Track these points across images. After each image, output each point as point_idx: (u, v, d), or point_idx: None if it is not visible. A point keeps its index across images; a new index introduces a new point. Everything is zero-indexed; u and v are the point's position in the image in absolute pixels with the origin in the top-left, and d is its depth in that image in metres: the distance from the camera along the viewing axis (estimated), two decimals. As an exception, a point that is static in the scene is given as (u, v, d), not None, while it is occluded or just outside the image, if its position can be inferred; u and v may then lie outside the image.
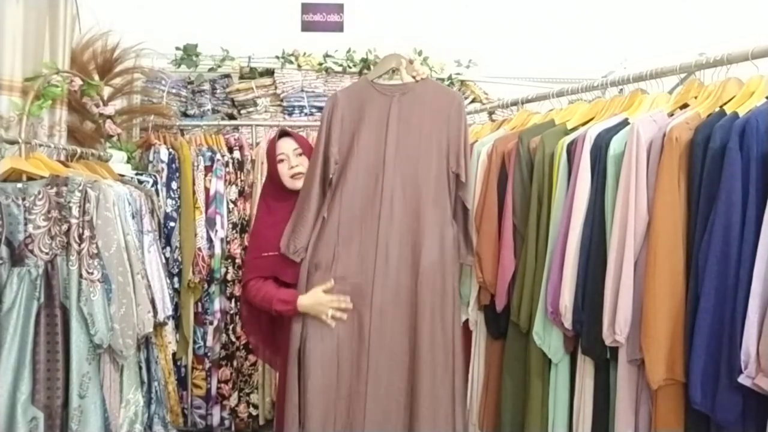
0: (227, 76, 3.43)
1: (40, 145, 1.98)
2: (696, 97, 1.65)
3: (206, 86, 3.36)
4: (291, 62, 3.34)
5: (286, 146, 2.11)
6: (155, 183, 2.68)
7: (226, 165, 2.99)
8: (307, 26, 3.60)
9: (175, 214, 2.84)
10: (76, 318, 1.74)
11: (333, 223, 1.92)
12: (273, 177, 2.14)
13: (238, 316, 3.03)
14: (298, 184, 2.06)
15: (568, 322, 1.69)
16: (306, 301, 1.89)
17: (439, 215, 1.92)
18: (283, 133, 2.15)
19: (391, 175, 1.90)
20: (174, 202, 2.85)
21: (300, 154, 2.11)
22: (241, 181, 3.06)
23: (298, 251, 1.93)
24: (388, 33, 3.45)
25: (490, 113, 2.94)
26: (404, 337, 1.89)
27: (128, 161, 2.67)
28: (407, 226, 1.90)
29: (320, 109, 3.35)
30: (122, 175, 2.36)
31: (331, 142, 1.94)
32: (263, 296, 1.98)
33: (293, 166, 2.09)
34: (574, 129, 1.90)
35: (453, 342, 1.92)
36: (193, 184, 2.90)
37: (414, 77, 2.01)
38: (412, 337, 1.89)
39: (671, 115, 1.62)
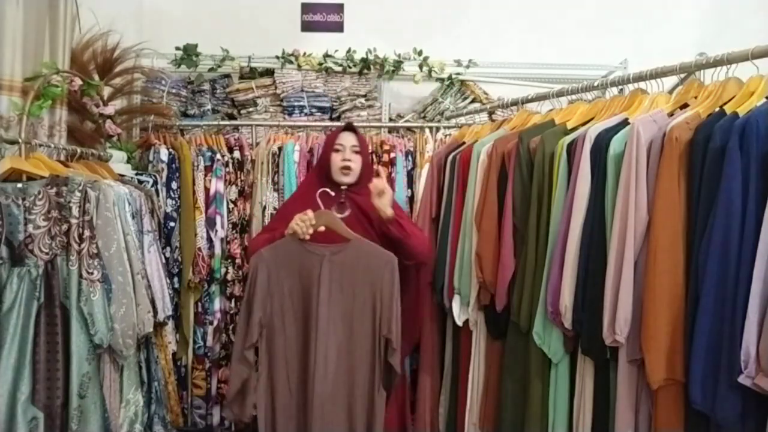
0: (227, 76, 3.42)
1: (40, 145, 1.98)
2: (696, 97, 1.65)
3: (206, 86, 3.35)
4: (291, 62, 3.34)
5: (347, 140, 2.16)
6: (155, 183, 2.67)
7: (226, 165, 2.99)
8: (307, 26, 3.60)
9: (175, 214, 2.84)
10: (76, 318, 1.74)
11: (271, 382, 1.97)
12: (321, 162, 2.20)
13: (238, 316, 3.02)
14: (344, 178, 2.14)
15: (568, 322, 1.69)
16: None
17: (369, 380, 1.97)
18: (349, 127, 2.20)
19: (323, 339, 1.92)
20: (174, 202, 2.84)
21: (356, 152, 2.16)
22: (241, 181, 3.06)
23: (244, 413, 1.98)
24: (388, 33, 3.44)
25: (490, 113, 2.94)
26: None
27: (128, 161, 2.67)
28: (342, 393, 1.95)
29: (320, 109, 3.36)
30: (122, 175, 2.36)
31: (255, 304, 1.93)
32: (265, 240, 2.08)
33: (346, 159, 2.13)
34: (574, 129, 1.90)
35: None
36: (193, 184, 2.90)
37: (346, 236, 1.99)
38: None
39: (671, 115, 1.62)
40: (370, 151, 3.01)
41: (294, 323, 1.96)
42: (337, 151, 2.16)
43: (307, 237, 1.94)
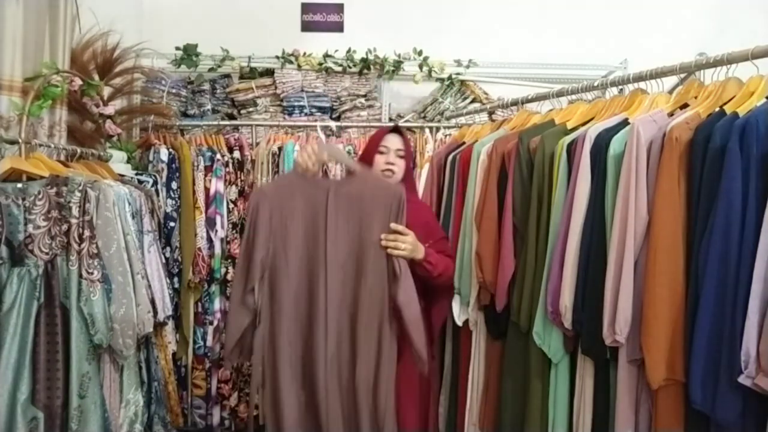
0: (227, 76, 3.43)
1: (40, 145, 1.98)
2: (696, 97, 1.65)
3: (206, 86, 3.36)
4: (291, 62, 3.35)
5: (393, 142, 2.07)
6: (155, 183, 2.68)
7: (226, 165, 2.99)
8: (307, 26, 3.60)
9: (175, 214, 2.84)
10: (76, 318, 1.74)
11: (274, 328, 1.82)
12: (364, 161, 2.09)
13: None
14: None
15: (568, 322, 1.69)
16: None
17: (379, 314, 1.82)
18: (396, 130, 2.11)
19: (333, 275, 1.80)
20: (174, 202, 2.84)
21: (401, 156, 2.07)
22: (241, 181, 3.06)
23: (243, 356, 1.87)
24: (388, 33, 3.45)
25: (490, 113, 2.94)
26: None
27: (128, 161, 2.67)
28: (347, 327, 1.82)
29: (320, 109, 3.36)
30: (122, 175, 2.36)
31: (258, 243, 1.79)
32: None
33: (389, 163, 2.04)
34: (574, 129, 1.90)
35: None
36: (193, 184, 2.90)
37: (350, 170, 1.90)
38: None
39: (671, 115, 1.62)
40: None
41: (298, 261, 1.82)
42: (382, 153, 2.06)
43: (314, 170, 1.84)
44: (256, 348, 1.82)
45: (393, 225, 1.82)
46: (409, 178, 2.14)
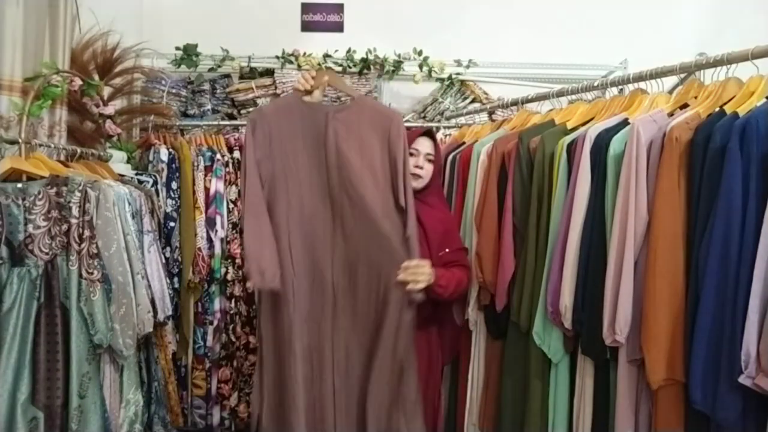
0: (227, 76, 3.43)
1: (40, 145, 1.98)
2: (696, 97, 1.65)
3: (206, 86, 3.36)
4: (291, 62, 3.35)
5: (423, 146, 2.04)
6: (155, 183, 2.67)
7: (226, 165, 2.99)
8: (307, 26, 3.60)
9: (175, 214, 2.84)
10: (76, 318, 1.74)
11: (284, 250, 1.77)
12: None
13: (238, 316, 3.03)
14: (413, 183, 1.95)
15: (568, 322, 1.69)
16: None
17: (394, 233, 1.80)
18: (428, 133, 2.09)
19: (338, 198, 1.77)
20: (174, 202, 2.84)
21: (430, 161, 2.05)
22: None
23: (274, 276, 1.74)
24: (388, 33, 3.45)
25: (490, 113, 2.95)
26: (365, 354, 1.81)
27: (128, 161, 2.67)
28: (365, 248, 1.78)
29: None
30: (122, 175, 2.36)
31: (255, 162, 1.76)
32: None
33: (417, 166, 2.02)
34: (574, 129, 1.90)
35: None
36: (193, 184, 2.90)
37: (349, 95, 1.87)
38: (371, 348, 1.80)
39: (671, 115, 1.62)
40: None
41: (297, 179, 1.79)
42: (412, 155, 2.02)
43: (312, 92, 1.82)
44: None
45: (406, 263, 1.76)
46: (435, 183, 2.12)
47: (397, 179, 1.81)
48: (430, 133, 2.10)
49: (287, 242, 1.78)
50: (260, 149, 1.77)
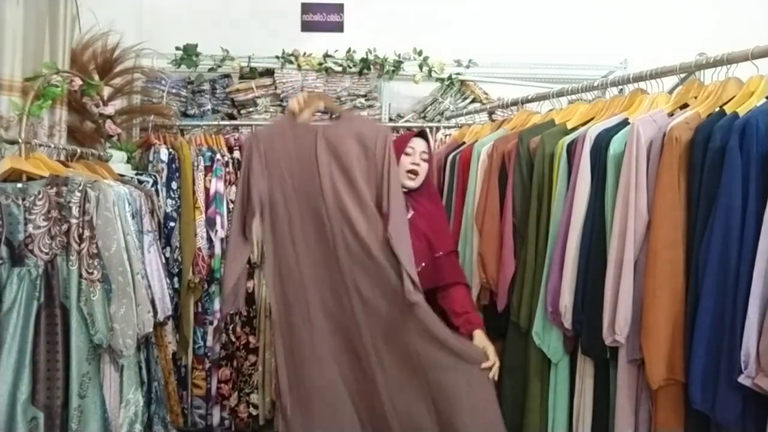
0: (227, 76, 3.42)
1: (40, 145, 1.98)
2: (696, 97, 1.65)
3: (206, 86, 3.35)
4: (291, 62, 3.34)
5: (419, 145, 2.09)
6: (155, 183, 2.67)
7: (226, 165, 2.99)
8: (307, 26, 3.60)
9: (175, 214, 2.84)
10: (76, 318, 1.74)
11: (279, 262, 1.87)
12: None
13: (238, 316, 3.03)
14: (408, 182, 2.03)
15: (568, 322, 1.69)
16: None
17: (382, 248, 1.84)
18: (422, 135, 2.14)
19: (333, 212, 1.84)
20: (174, 202, 2.84)
21: (425, 159, 2.08)
22: (241, 181, 3.06)
23: (238, 302, 1.91)
24: (388, 33, 3.44)
25: (490, 113, 2.94)
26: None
27: (128, 161, 2.67)
28: (361, 261, 1.84)
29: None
30: (122, 175, 2.36)
31: (252, 182, 1.86)
32: None
33: (414, 163, 2.06)
34: (574, 129, 1.90)
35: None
36: (193, 184, 2.90)
37: (336, 113, 1.95)
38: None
39: (671, 115, 1.62)
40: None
41: (295, 197, 1.88)
42: (408, 154, 2.08)
43: (307, 115, 1.92)
44: (267, 278, 1.88)
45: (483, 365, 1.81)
46: (430, 183, 2.15)
47: (382, 186, 1.86)
48: (423, 135, 2.15)
49: (294, 260, 1.87)
50: (256, 173, 1.86)
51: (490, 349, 1.84)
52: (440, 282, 1.94)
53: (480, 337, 1.88)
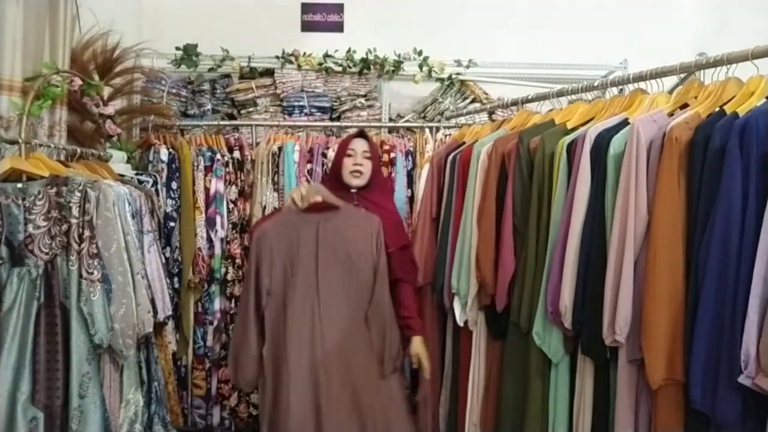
0: (227, 76, 3.42)
1: (40, 145, 1.99)
2: (696, 97, 1.65)
3: (206, 86, 3.35)
4: (291, 62, 3.34)
5: (359, 145, 2.29)
6: (155, 183, 2.68)
7: (226, 165, 2.99)
8: (307, 26, 3.60)
9: (175, 214, 2.84)
10: (76, 318, 1.74)
11: (279, 345, 2.06)
12: (335, 167, 2.32)
13: (238, 317, 3.03)
14: (354, 181, 2.26)
15: (568, 322, 1.69)
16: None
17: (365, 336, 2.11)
18: (361, 134, 2.34)
19: (326, 299, 2.06)
20: (174, 202, 2.85)
21: (367, 158, 2.28)
22: (241, 181, 3.06)
23: (249, 383, 2.11)
24: (388, 33, 3.44)
25: (490, 113, 2.94)
26: None
27: (128, 161, 2.67)
28: (344, 350, 2.07)
29: (320, 109, 3.35)
30: (122, 175, 2.36)
31: (262, 272, 2.08)
32: None
33: (356, 164, 2.26)
34: (574, 129, 1.90)
35: None
36: (193, 184, 2.90)
37: (335, 205, 2.13)
38: None
39: (671, 115, 1.62)
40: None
41: (297, 287, 2.07)
42: (349, 155, 2.28)
43: (304, 205, 2.09)
44: (265, 364, 2.07)
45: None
46: (377, 179, 2.36)
47: (378, 261, 2.13)
48: (363, 134, 2.35)
49: (294, 335, 2.06)
50: (265, 260, 2.08)
51: (423, 356, 2.23)
52: (390, 276, 2.18)
53: (417, 343, 2.24)
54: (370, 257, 2.12)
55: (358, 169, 2.26)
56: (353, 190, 2.29)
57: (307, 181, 2.99)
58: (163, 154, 2.86)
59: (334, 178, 2.33)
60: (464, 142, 2.53)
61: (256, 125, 3.31)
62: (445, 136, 3.20)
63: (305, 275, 2.07)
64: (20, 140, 1.87)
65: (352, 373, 2.04)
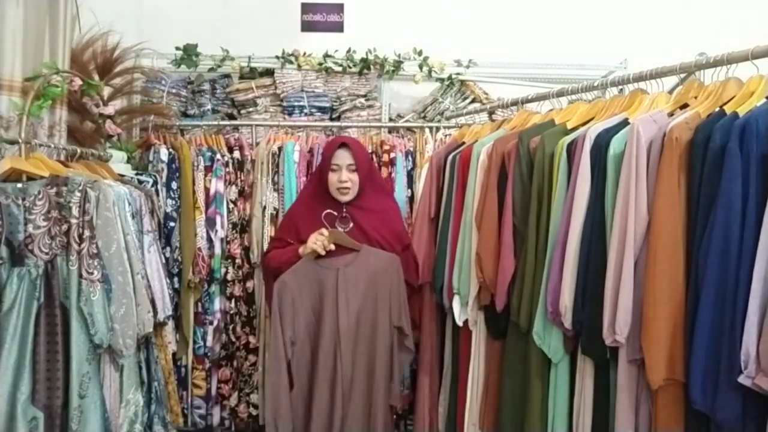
0: (227, 76, 3.42)
1: (40, 145, 1.98)
2: (696, 97, 1.65)
3: (206, 86, 3.35)
4: (291, 62, 3.34)
5: (343, 158, 2.21)
6: (155, 183, 2.67)
7: (226, 165, 2.99)
8: (307, 26, 3.60)
9: (175, 214, 2.84)
10: (76, 318, 1.74)
11: (304, 390, 2.17)
12: (321, 177, 2.26)
13: (238, 316, 3.03)
14: (343, 197, 2.21)
15: (568, 322, 1.69)
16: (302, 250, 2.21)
17: (388, 372, 2.22)
18: (343, 145, 2.24)
19: (347, 345, 2.13)
20: (174, 202, 2.84)
21: (353, 171, 2.20)
22: (241, 181, 3.06)
23: (285, 425, 2.15)
24: (388, 33, 3.44)
25: (490, 113, 2.94)
26: None
27: (128, 161, 2.67)
28: (364, 388, 2.18)
29: (320, 109, 3.35)
30: (122, 175, 2.36)
31: (285, 324, 2.15)
32: (281, 256, 2.25)
33: (342, 181, 2.19)
34: (574, 129, 1.90)
35: None
36: (193, 184, 2.90)
37: (354, 248, 2.16)
38: None
39: (671, 115, 1.62)
40: (370, 151, 3.01)
41: (319, 335, 2.13)
42: (334, 171, 2.20)
43: (324, 253, 2.12)
44: (293, 407, 2.16)
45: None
46: (369, 186, 2.28)
47: (400, 309, 2.22)
48: (344, 144, 2.25)
49: (323, 381, 2.15)
50: (287, 312, 2.14)
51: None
52: None
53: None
54: (390, 298, 2.18)
55: (344, 186, 2.20)
56: (343, 202, 2.25)
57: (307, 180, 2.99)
58: (163, 154, 2.86)
59: (321, 191, 2.26)
60: (464, 142, 2.53)
61: (256, 125, 3.30)
62: (445, 136, 3.20)
63: (329, 323, 2.12)
64: (20, 140, 1.86)
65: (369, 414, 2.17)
